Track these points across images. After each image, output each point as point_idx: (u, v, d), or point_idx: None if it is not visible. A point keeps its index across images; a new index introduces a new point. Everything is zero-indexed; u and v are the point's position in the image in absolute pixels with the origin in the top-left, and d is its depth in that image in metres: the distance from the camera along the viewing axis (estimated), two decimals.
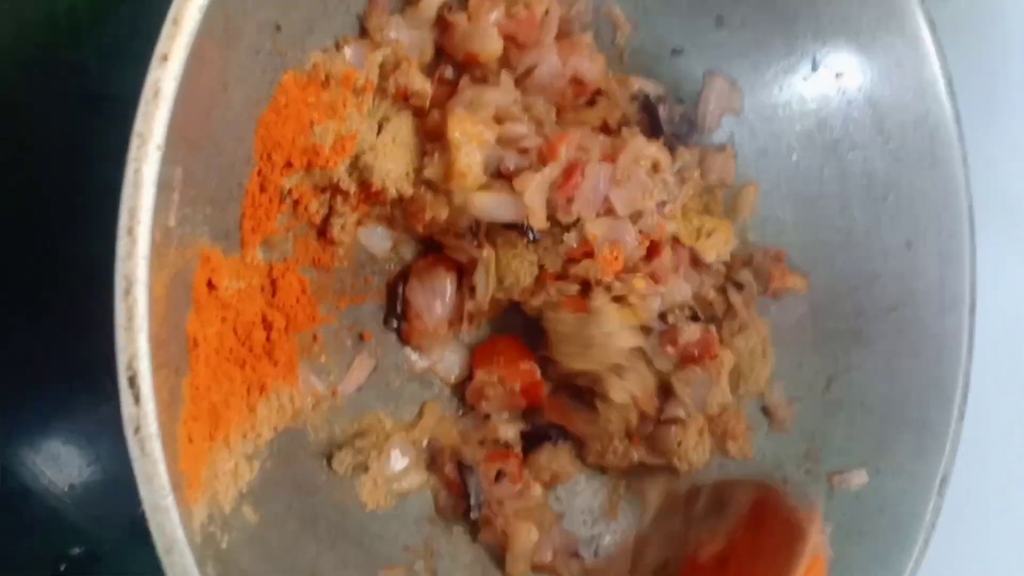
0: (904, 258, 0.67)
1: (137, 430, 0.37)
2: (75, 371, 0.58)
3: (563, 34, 0.62)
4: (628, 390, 0.63)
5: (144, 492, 0.37)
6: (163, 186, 0.39)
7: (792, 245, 0.70)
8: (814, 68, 0.67)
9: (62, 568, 0.60)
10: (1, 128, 0.58)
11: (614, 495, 0.69)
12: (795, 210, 0.69)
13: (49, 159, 0.57)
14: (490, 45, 0.58)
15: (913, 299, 0.67)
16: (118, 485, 0.59)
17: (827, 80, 0.67)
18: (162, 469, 0.38)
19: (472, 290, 0.60)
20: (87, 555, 0.61)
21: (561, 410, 0.66)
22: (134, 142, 0.37)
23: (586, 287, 0.59)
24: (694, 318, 0.67)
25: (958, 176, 0.65)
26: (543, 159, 0.56)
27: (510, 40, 0.59)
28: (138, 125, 0.37)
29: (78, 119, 0.57)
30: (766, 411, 0.70)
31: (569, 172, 0.56)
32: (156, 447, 0.38)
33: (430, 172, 0.55)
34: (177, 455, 0.41)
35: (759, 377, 0.69)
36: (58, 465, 0.61)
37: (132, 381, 0.37)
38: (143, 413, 0.37)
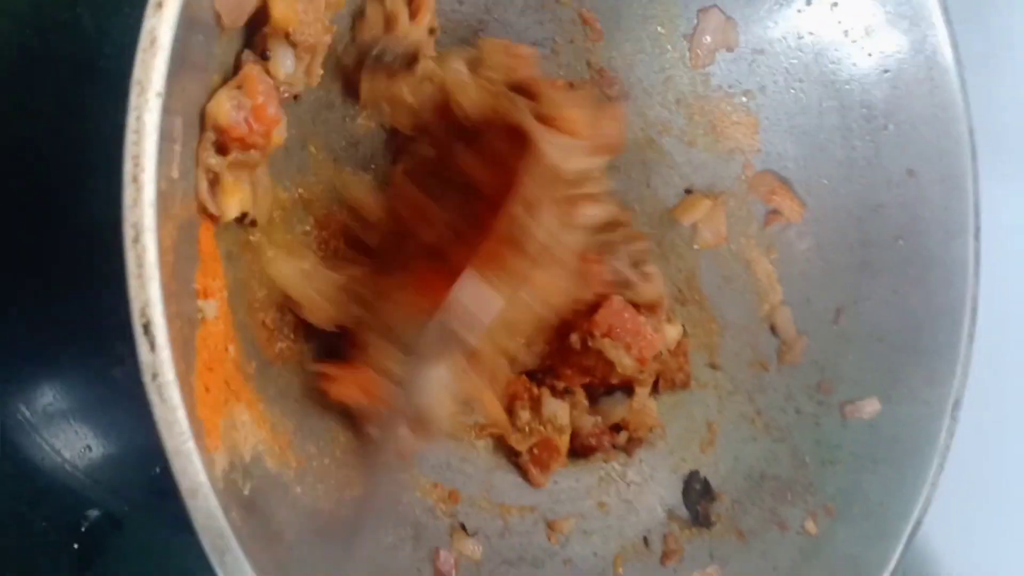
0: (907, 186, 0.67)
1: (155, 376, 0.38)
2: (86, 335, 0.58)
3: None
4: None
5: (165, 437, 0.38)
6: (164, 136, 0.39)
7: (795, 179, 0.70)
8: (808, 1, 0.66)
9: (82, 530, 0.61)
10: None
11: None
12: (796, 144, 0.69)
13: (46, 118, 0.57)
14: None
15: (918, 227, 0.67)
16: (133, 447, 0.60)
17: (822, 11, 0.66)
18: (181, 415, 0.38)
19: None
20: (106, 517, 0.62)
21: None
22: (134, 90, 0.37)
23: None
24: None
25: (957, 101, 0.65)
26: None
27: None
28: (136, 73, 0.37)
29: (74, 78, 0.56)
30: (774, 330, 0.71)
31: None
32: (174, 393, 0.38)
33: None
34: (195, 404, 0.42)
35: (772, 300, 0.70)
36: (72, 428, 0.61)
37: (146, 328, 0.37)
38: (159, 360, 0.38)
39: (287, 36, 0.47)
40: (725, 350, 0.72)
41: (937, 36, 0.64)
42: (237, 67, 0.48)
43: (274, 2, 0.46)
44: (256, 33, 0.48)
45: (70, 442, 0.61)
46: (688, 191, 0.71)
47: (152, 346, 0.38)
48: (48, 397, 0.61)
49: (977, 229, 0.66)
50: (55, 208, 0.57)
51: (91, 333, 0.58)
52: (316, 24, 0.48)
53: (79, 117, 0.56)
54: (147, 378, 0.38)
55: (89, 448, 0.61)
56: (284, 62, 0.48)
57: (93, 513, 0.61)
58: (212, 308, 0.46)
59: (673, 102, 0.70)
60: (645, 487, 0.69)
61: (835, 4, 0.66)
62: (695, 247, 0.72)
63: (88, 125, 0.54)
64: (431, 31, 0.57)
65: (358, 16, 0.55)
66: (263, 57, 0.47)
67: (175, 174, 0.42)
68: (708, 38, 0.67)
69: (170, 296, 0.40)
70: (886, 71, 0.66)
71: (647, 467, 0.70)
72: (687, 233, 0.72)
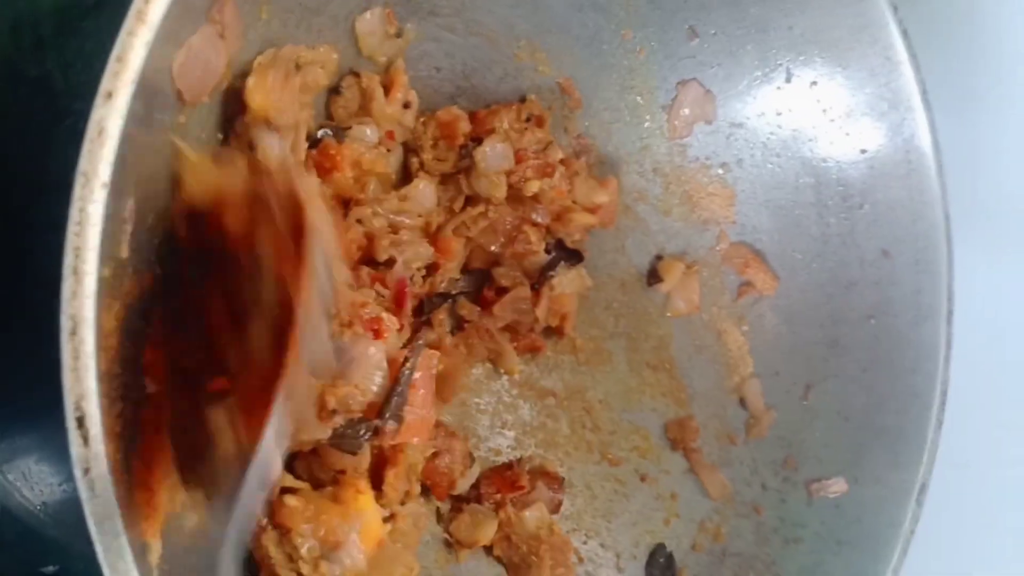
0: (881, 266, 0.67)
1: (87, 471, 0.37)
2: (47, 387, 0.57)
3: None
4: None
5: (95, 533, 0.37)
6: (114, 219, 0.39)
7: (769, 252, 0.69)
8: (788, 79, 0.66)
9: None
10: None
11: None
12: (771, 218, 0.69)
13: (16, 173, 0.56)
14: None
15: (890, 307, 0.67)
16: None
17: (802, 90, 0.66)
18: (114, 509, 0.37)
19: None
20: (62, 572, 0.60)
21: None
22: (78, 181, 0.36)
23: None
24: None
25: (934, 186, 0.65)
26: None
27: None
28: (82, 164, 0.36)
29: (44, 134, 0.56)
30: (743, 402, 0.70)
31: None
32: (107, 488, 0.37)
33: None
34: (133, 488, 0.41)
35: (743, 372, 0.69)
36: (30, 483, 0.60)
37: (80, 422, 0.37)
38: (93, 454, 0.37)
39: (268, 123, 0.47)
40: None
41: (916, 120, 0.64)
42: (226, 136, 0.47)
43: (251, 95, 0.47)
44: (236, 121, 0.47)
45: (31, 494, 0.60)
46: (659, 257, 0.71)
47: (85, 440, 0.37)
48: (9, 447, 0.60)
49: (949, 313, 0.66)
50: (23, 262, 0.56)
51: (54, 385, 0.57)
52: (293, 105, 0.48)
53: (47, 172, 0.55)
54: (78, 472, 0.37)
55: (46, 504, 0.60)
56: (271, 148, 0.47)
57: (50, 569, 0.60)
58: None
59: (650, 171, 0.69)
60: (606, 559, 0.69)
61: (814, 83, 0.65)
62: (667, 315, 0.71)
63: (59, 179, 0.54)
64: (406, 105, 0.57)
65: (333, 93, 0.55)
66: (250, 149, 0.47)
67: (123, 253, 0.41)
68: (686, 110, 0.67)
69: (111, 380, 0.39)
70: (863, 151, 0.66)
71: (609, 538, 0.69)
72: (660, 300, 0.71)
